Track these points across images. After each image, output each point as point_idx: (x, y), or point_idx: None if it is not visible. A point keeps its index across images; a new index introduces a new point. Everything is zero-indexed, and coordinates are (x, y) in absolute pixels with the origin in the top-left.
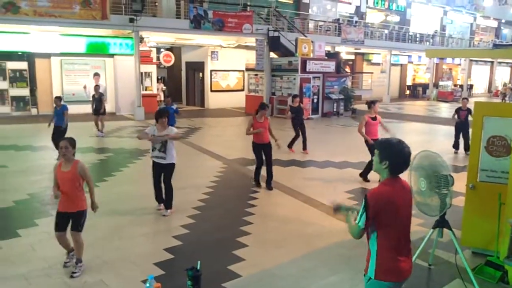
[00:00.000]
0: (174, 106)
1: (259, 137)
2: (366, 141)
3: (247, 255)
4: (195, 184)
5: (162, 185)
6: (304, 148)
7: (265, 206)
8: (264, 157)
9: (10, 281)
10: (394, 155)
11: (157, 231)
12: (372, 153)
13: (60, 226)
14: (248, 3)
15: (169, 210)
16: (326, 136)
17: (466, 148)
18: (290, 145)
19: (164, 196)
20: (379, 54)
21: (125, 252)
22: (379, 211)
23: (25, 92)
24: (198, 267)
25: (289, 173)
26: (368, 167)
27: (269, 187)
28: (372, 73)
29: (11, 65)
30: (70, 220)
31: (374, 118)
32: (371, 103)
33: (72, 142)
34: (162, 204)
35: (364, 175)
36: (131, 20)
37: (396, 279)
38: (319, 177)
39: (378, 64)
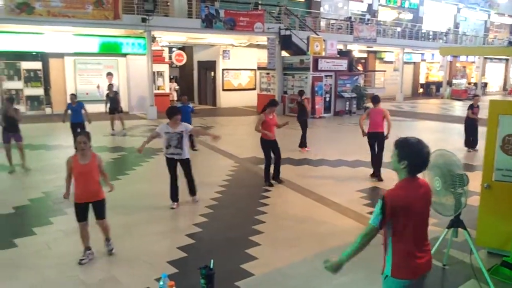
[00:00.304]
0: (191, 105)
1: (268, 134)
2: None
3: (259, 254)
4: (208, 183)
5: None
6: (301, 145)
7: (277, 205)
8: (272, 154)
9: (26, 279)
10: (413, 155)
11: (171, 229)
12: (371, 147)
13: (81, 216)
14: (260, 2)
15: (197, 196)
16: (338, 135)
17: (473, 145)
18: (301, 145)
19: (189, 188)
20: (392, 52)
21: (139, 250)
22: (396, 211)
23: (39, 91)
24: (212, 266)
25: (301, 171)
26: (375, 164)
27: (278, 180)
28: (384, 71)
29: (25, 65)
30: (88, 209)
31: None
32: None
33: (89, 136)
34: (176, 203)
35: (376, 175)
36: (143, 20)
37: (412, 277)
38: (332, 176)
39: (390, 62)
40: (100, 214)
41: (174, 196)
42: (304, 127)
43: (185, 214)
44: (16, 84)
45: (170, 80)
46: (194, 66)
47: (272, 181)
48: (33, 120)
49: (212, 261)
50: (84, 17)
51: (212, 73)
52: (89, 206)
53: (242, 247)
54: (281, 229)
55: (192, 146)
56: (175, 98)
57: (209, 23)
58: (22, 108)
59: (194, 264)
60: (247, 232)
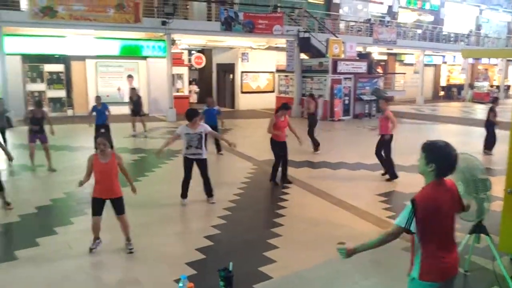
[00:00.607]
0: (216, 107)
1: (279, 136)
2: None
3: (278, 257)
4: (226, 184)
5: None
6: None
7: (295, 207)
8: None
9: (46, 278)
10: (441, 158)
11: (189, 230)
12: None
13: (97, 211)
14: (278, 5)
15: (214, 197)
16: (358, 138)
17: (490, 147)
18: (315, 148)
19: (205, 188)
20: (412, 54)
21: (158, 251)
22: (426, 214)
23: (61, 93)
24: (230, 268)
25: (319, 174)
26: (386, 164)
27: (286, 181)
28: (404, 73)
29: (48, 67)
30: (104, 205)
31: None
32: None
33: (109, 138)
34: (186, 199)
35: (390, 174)
36: (163, 23)
37: (440, 279)
38: (350, 179)
39: (411, 64)
40: (120, 210)
41: (185, 193)
42: (308, 129)
43: (203, 215)
44: (39, 86)
45: (190, 82)
46: (213, 68)
47: (278, 181)
48: (55, 121)
49: (231, 263)
50: (105, 20)
51: (231, 76)
52: (106, 203)
53: (260, 250)
54: (300, 232)
55: (218, 150)
56: (195, 101)
57: (228, 26)
58: (45, 110)
59: (213, 266)
60: (265, 235)
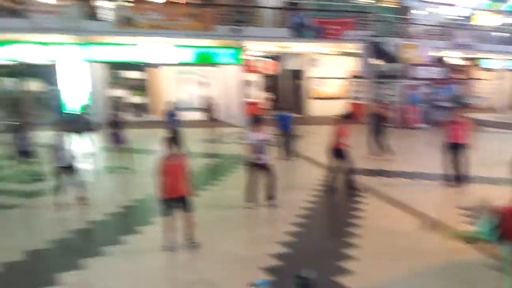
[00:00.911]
0: (291, 114)
1: (340, 143)
2: None
3: (355, 268)
4: (298, 191)
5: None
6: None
7: (372, 217)
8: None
9: (127, 274)
10: None
11: (262, 236)
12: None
13: (167, 211)
14: (349, 10)
15: (275, 201)
16: (435, 146)
17: None
18: (382, 153)
19: (270, 191)
20: (493, 59)
21: (230, 254)
22: None
23: (141, 99)
24: (307, 276)
25: (397, 184)
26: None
27: (354, 188)
28: (485, 79)
29: (129, 74)
30: (173, 205)
31: (455, 122)
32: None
33: (177, 141)
34: (254, 203)
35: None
36: (235, 31)
37: None
38: (429, 190)
39: (490, 70)
40: (187, 208)
41: (253, 198)
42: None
43: (276, 221)
44: (120, 92)
45: (262, 89)
46: (283, 74)
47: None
48: (134, 126)
49: (307, 270)
50: (181, 28)
51: (301, 82)
52: (175, 203)
53: (335, 259)
54: (377, 243)
55: (289, 156)
56: (267, 107)
57: (298, 32)
58: (126, 115)
59: (287, 272)
60: (340, 244)
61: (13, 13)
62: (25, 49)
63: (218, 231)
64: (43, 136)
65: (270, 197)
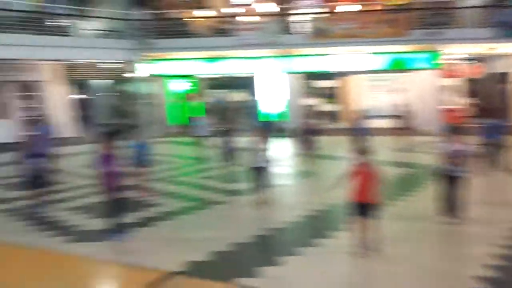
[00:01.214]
0: (503, 122)
1: None
2: None
3: None
4: (505, 209)
5: None
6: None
7: None
8: None
9: (322, 275)
10: None
11: (462, 255)
12: None
13: (353, 213)
14: None
15: (457, 219)
16: None
17: None
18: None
19: (452, 205)
20: None
21: (434, 268)
22: None
23: (332, 107)
24: None
25: None
26: None
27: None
28: None
29: (321, 83)
30: (359, 209)
31: None
32: None
33: (365, 149)
34: (446, 217)
35: None
36: (433, 34)
37: None
38: None
39: None
40: (371, 215)
41: (448, 212)
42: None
43: (476, 239)
44: (313, 101)
45: (462, 94)
46: (486, 78)
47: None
48: (326, 133)
49: None
50: (374, 36)
51: (508, 86)
52: (363, 209)
53: None
54: None
55: (494, 170)
56: (468, 114)
57: (504, 31)
58: (317, 122)
59: None
60: None
61: (223, 32)
62: (231, 63)
63: (411, 243)
64: (243, 141)
65: (460, 212)
